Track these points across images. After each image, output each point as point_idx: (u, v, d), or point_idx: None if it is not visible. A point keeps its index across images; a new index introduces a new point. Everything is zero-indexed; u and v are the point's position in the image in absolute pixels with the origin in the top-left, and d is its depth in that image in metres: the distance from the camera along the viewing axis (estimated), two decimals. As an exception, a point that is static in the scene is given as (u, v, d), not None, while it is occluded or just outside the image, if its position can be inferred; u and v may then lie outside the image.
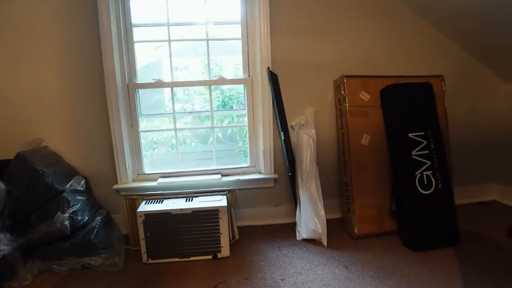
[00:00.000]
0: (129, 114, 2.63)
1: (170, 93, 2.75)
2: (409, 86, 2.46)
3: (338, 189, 2.82)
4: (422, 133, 2.37)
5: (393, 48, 2.76)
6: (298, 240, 2.51)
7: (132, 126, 2.65)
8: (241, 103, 3.02)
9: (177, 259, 2.25)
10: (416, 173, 2.33)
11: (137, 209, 2.24)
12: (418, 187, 2.32)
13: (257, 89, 2.68)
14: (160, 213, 2.20)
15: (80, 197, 2.28)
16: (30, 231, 2.07)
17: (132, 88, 2.61)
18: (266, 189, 2.80)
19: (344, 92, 2.52)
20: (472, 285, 1.87)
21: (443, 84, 2.69)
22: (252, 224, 2.79)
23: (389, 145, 2.49)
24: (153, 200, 2.36)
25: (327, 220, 2.44)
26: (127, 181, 2.63)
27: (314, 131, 2.59)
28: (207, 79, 2.79)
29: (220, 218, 2.24)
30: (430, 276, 1.98)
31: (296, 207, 2.59)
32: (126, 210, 2.39)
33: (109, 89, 2.47)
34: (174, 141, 2.89)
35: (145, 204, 2.30)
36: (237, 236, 2.51)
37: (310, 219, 2.45)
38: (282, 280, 2.02)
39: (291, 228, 2.65)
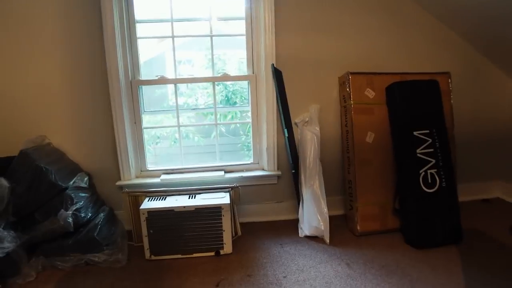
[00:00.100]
0: (132, 110, 2.62)
1: (173, 88, 2.73)
2: (415, 83, 2.44)
3: (341, 186, 2.82)
4: (427, 131, 2.35)
5: (398, 44, 2.72)
6: (301, 237, 2.51)
7: (135, 123, 2.65)
8: (244, 98, 3.00)
9: (180, 256, 2.26)
10: (421, 171, 2.31)
11: (140, 205, 2.25)
12: (422, 185, 2.31)
13: (261, 86, 2.66)
14: (163, 211, 2.20)
15: (83, 194, 2.29)
16: (33, 228, 2.08)
17: (135, 84, 2.60)
18: (269, 185, 2.80)
19: (349, 89, 2.49)
20: (475, 284, 1.87)
21: (449, 81, 2.66)
22: (255, 220, 2.79)
23: (393, 143, 2.48)
24: (156, 197, 2.36)
25: (329, 217, 2.45)
26: (130, 178, 2.63)
27: (318, 128, 2.58)
28: (211, 74, 2.76)
29: (223, 216, 2.24)
30: (433, 275, 1.98)
31: (299, 204, 2.59)
32: (129, 206, 2.40)
33: (112, 86, 2.45)
34: (177, 135, 2.89)
35: (148, 201, 2.31)
36: (239, 233, 2.52)
37: (313, 216, 2.45)
38: (284, 277, 2.02)
39: (294, 224, 2.65)
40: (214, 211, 2.24)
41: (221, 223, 2.25)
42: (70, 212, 2.10)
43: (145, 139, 2.74)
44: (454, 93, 2.69)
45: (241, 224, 2.59)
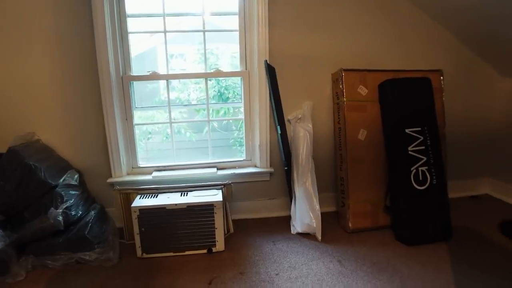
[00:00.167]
0: (123, 106, 2.58)
1: (165, 83, 2.70)
2: (408, 81, 2.44)
3: (333, 183, 2.83)
4: (419, 129, 2.36)
5: (392, 43, 2.72)
6: (293, 234, 2.52)
7: (126, 119, 2.61)
8: (237, 93, 2.98)
9: (171, 254, 2.25)
10: (412, 168, 2.33)
11: (131, 203, 2.23)
12: (413, 182, 2.33)
13: (254, 82, 2.64)
14: (154, 208, 2.18)
15: (73, 192, 2.26)
16: (23, 227, 2.06)
17: (126, 80, 2.55)
18: (261, 182, 2.79)
19: (342, 86, 2.48)
20: (464, 281, 1.90)
21: (441, 78, 2.67)
22: (247, 217, 2.80)
23: (385, 140, 2.49)
24: (148, 195, 2.35)
25: (321, 214, 2.46)
26: (122, 175, 2.61)
27: (311, 125, 2.57)
28: (203, 69, 2.73)
29: (215, 213, 2.23)
30: (423, 271, 2.00)
31: (291, 201, 2.59)
32: (121, 204, 2.38)
33: (103, 82, 2.41)
34: (169, 130, 2.86)
35: (139, 198, 2.29)
36: (232, 230, 2.52)
37: (305, 213, 2.45)
38: (277, 275, 2.03)
39: (286, 221, 2.66)
40: (207, 208, 2.23)
41: (213, 220, 2.24)
42: (60, 210, 2.08)
43: (137, 134, 2.71)
44: (446, 92, 2.71)
45: (233, 221, 2.59)
